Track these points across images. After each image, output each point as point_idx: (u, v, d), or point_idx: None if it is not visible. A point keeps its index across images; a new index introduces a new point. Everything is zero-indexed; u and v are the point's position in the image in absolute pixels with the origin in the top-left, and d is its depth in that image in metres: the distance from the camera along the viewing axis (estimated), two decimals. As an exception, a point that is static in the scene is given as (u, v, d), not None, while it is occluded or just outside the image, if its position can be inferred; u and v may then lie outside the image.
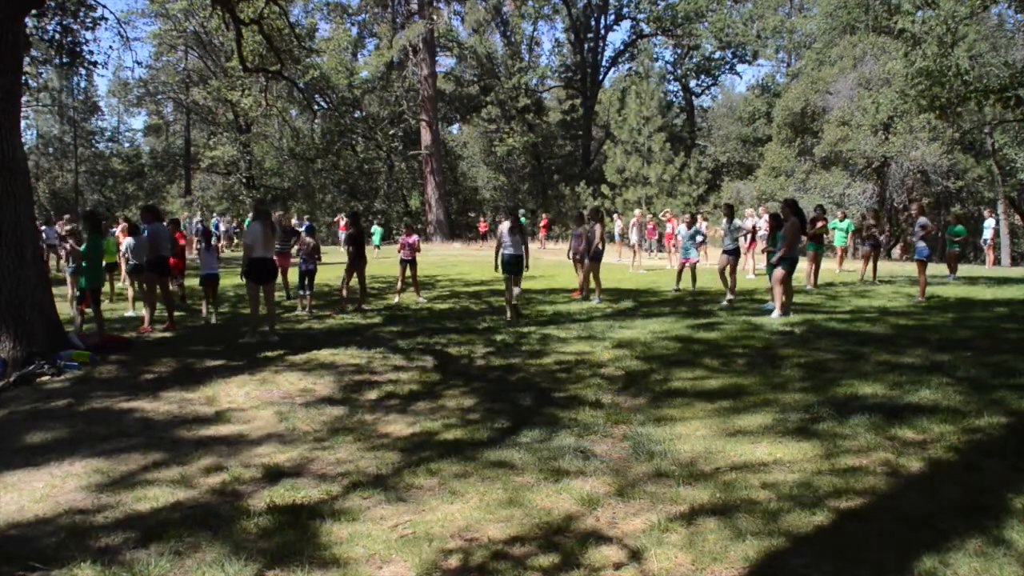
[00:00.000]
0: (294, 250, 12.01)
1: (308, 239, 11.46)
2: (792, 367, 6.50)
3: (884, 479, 3.89)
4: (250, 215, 10.48)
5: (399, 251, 12.67)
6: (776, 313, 9.35)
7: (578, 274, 12.70)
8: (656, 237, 23.42)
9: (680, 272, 13.16)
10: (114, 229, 15.04)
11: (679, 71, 44.66)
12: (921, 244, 11.35)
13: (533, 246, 19.64)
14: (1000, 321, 8.82)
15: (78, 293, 9.45)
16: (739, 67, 50.13)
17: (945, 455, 4.20)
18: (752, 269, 16.18)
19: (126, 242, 10.95)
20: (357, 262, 11.31)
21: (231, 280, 14.02)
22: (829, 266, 16.18)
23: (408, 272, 12.56)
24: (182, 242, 12.56)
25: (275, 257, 9.11)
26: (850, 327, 8.52)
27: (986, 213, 21.51)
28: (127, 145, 47.40)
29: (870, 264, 14.69)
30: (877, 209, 16.64)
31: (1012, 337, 7.66)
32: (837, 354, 6.98)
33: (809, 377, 6.13)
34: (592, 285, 11.96)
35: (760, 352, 7.21)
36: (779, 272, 9.50)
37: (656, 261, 21.09)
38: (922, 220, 11.44)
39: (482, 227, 32.62)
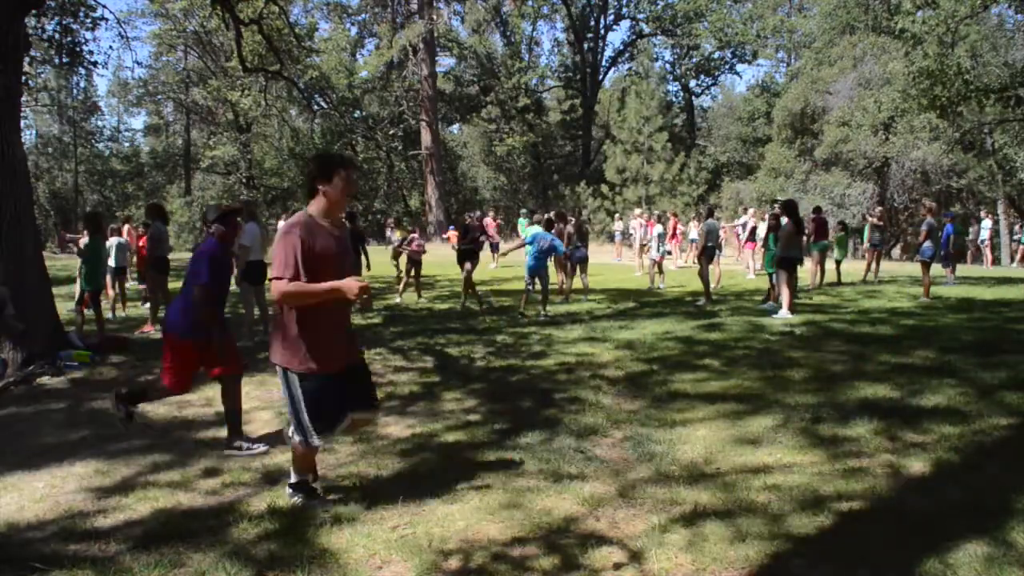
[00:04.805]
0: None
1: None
2: (794, 368, 6.49)
3: (886, 480, 3.89)
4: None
5: (409, 249, 12.65)
6: (783, 312, 9.36)
7: (558, 275, 12.77)
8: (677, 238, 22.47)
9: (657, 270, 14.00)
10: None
11: (679, 71, 44.66)
12: (925, 244, 11.38)
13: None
14: (1004, 322, 8.82)
15: (76, 294, 9.42)
16: (739, 67, 50.21)
17: (947, 456, 4.19)
18: (752, 269, 16.19)
19: (109, 243, 10.90)
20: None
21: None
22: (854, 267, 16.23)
23: (412, 272, 12.58)
24: (142, 243, 11.90)
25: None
26: (852, 328, 8.51)
27: (983, 214, 21.60)
28: (127, 145, 47.43)
29: (873, 263, 14.84)
30: (883, 209, 16.77)
31: (1015, 338, 7.66)
32: (840, 355, 6.97)
33: (811, 378, 6.12)
34: (577, 285, 12.25)
35: (762, 353, 7.20)
36: (782, 273, 9.57)
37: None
38: (930, 221, 11.50)
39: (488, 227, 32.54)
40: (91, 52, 18.89)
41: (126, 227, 13.67)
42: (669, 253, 16.69)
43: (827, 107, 28.88)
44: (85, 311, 9.18)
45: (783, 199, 12.32)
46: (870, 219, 16.05)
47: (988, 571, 2.92)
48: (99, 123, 46.00)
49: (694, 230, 20.28)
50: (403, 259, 12.94)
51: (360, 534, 3.39)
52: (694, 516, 3.49)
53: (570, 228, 12.14)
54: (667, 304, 11.26)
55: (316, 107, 36.27)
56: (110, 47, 67.56)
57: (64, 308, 9.24)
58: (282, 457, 4.54)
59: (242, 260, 8.66)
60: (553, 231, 10.63)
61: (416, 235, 12.87)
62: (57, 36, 17.39)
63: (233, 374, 4.77)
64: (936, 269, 12.58)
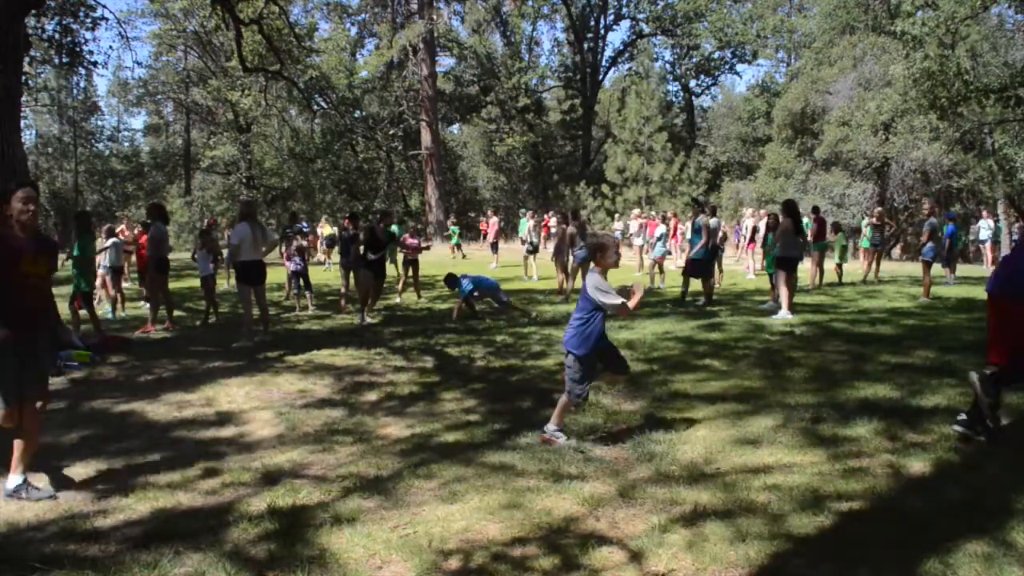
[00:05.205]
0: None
1: (298, 240, 11.75)
2: (794, 368, 6.49)
3: (886, 480, 3.89)
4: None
5: (400, 250, 12.74)
6: (783, 312, 9.36)
7: (558, 275, 12.84)
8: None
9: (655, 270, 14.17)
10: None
11: (679, 71, 44.67)
12: (928, 245, 11.39)
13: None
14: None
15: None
16: (739, 67, 50.25)
17: (947, 456, 4.19)
18: (752, 270, 16.19)
19: (106, 243, 10.87)
20: (351, 264, 11.30)
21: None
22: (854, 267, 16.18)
23: (410, 272, 12.62)
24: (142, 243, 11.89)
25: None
26: (853, 328, 8.51)
27: (984, 214, 21.60)
28: (127, 145, 47.43)
29: (873, 263, 14.83)
30: (881, 210, 16.76)
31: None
32: (840, 355, 6.97)
33: (812, 378, 6.12)
34: (579, 285, 12.23)
35: (762, 353, 7.20)
36: (781, 273, 9.57)
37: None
38: (932, 221, 11.50)
39: (483, 227, 32.58)
40: (91, 52, 18.91)
41: (122, 226, 13.65)
42: (669, 253, 16.69)
43: (827, 107, 28.86)
44: (79, 311, 9.18)
45: (785, 200, 12.28)
46: (868, 219, 16.07)
47: (988, 571, 2.92)
48: (99, 123, 46.03)
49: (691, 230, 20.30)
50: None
51: (360, 534, 3.39)
52: (694, 516, 3.49)
53: (572, 228, 12.17)
54: (667, 304, 11.26)
55: (316, 107, 36.23)
56: (110, 47, 67.63)
57: (64, 308, 9.24)
58: (282, 457, 4.54)
59: (234, 259, 8.70)
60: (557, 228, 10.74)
61: (408, 235, 12.91)
62: (57, 36, 17.40)
63: None
64: (936, 269, 12.59)
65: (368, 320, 10.06)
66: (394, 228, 14.65)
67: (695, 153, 38.88)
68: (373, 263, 10.33)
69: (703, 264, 11.11)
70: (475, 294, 10.33)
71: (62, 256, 13.26)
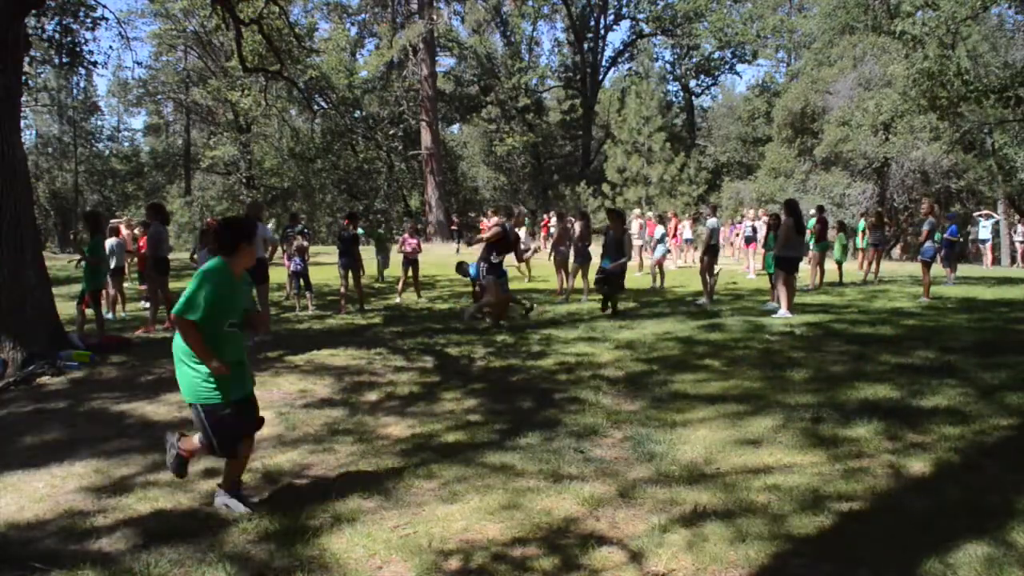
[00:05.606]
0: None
1: (298, 240, 11.75)
2: (795, 369, 6.48)
3: (886, 480, 3.89)
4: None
5: (400, 250, 12.75)
6: (782, 312, 9.35)
7: (558, 275, 12.87)
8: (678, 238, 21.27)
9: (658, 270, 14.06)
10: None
11: (679, 71, 44.70)
12: (926, 244, 11.38)
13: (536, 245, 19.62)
14: (1005, 322, 8.82)
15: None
16: (739, 67, 50.25)
17: (947, 456, 4.19)
18: (753, 269, 16.19)
19: (108, 243, 10.86)
20: (351, 264, 11.30)
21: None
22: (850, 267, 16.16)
23: (410, 272, 12.62)
24: (141, 243, 11.60)
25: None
26: (853, 328, 8.50)
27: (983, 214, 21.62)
28: (127, 145, 47.45)
29: (873, 263, 14.82)
30: (880, 210, 16.81)
31: (1016, 338, 7.66)
32: (840, 355, 6.96)
33: (812, 379, 6.11)
34: (579, 284, 12.23)
35: (763, 353, 7.20)
36: (780, 273, 9.56)
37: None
38: (931, 220, 11.49)
39: (483, 227, 32.53)
40: (91, 52, 18.93)
41: (123, 227, 13.63)
42: (668, 252, 16.70)
43: (827, 107, 28.86)
44: (86, 310, 9.18)
45: (786, 199, 12.21)
46: (867, 220, 16.08)
47: (988, 571, 2.92)
48: (99, 123, 46.05)
49: (688, 230, 20.38)
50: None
51: (360, 534, 3.39)
52: (694, 516, 3.48)
53: (578, 227, 12.22)
54: (667, 304, 11.25)
55: (316, 107, 36.21)
56: (110, 47, 67.63)
57: (66, 308, 9.24)
58: (282, 457, 4.54)
59: None
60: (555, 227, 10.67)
61: (408, 235, 12.91)
62: (57, 36, 17.41)
63: None
64: (936, 269, 12.59)
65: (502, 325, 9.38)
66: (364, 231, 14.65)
67: (695, 153, 38.88)
68: (497, 266, 9.98)
69: (613, 275, 10.40)
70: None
71: (75, 258, 13.28)
